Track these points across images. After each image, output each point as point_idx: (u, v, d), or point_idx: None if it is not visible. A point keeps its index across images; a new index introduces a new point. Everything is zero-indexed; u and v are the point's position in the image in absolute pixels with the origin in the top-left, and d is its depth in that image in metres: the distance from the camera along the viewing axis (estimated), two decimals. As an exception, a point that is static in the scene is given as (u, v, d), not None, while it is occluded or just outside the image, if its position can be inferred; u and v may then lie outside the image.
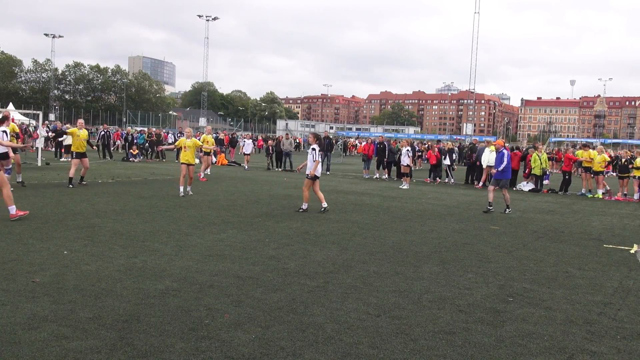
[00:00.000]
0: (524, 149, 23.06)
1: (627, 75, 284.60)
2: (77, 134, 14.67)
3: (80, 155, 14.53)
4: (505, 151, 12.95)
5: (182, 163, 13.45)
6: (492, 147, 18.75)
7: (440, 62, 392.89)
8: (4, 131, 12.29)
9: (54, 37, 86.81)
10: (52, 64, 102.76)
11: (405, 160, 19.70)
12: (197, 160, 15.44)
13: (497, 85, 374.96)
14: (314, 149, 11.36)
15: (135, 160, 27.48)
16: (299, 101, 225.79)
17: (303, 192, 11.43)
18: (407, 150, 19.86)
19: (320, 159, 11.51)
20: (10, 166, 12.39)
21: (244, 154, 26.86)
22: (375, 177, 22.89)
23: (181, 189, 13.17)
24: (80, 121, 15.56)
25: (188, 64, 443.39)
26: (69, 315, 4.49)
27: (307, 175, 11.39)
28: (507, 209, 12.89)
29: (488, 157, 19.31)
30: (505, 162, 12.74)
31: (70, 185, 13.96)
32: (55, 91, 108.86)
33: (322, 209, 11.32)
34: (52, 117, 76.90)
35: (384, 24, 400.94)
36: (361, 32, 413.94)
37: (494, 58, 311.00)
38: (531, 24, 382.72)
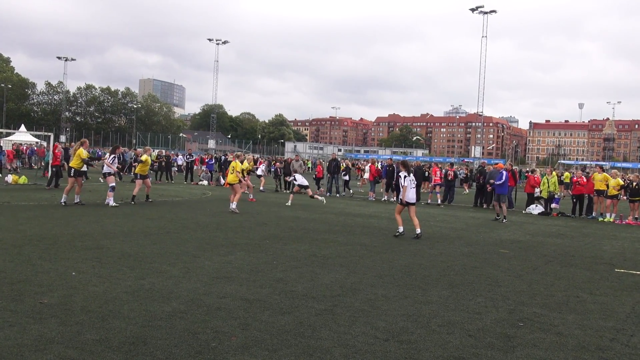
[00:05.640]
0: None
1: (616, 98, 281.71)
2: (149, 161, 17.12)
3: (145, 177, 16.80)
4: (504, 172, 16.79)
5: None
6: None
7: (428, 84, 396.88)
8: (114, 157, 15.82)
9: (66, 60, 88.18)
10: (64, 86, 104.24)
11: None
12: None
13: (491, 108, 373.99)
14: (405, 176, 11.75)
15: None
16: (307, 123, 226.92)
17: (396, 217, 11.96)
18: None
19: (407, 185, 11.66)
20: (114, 184, 15.16)
21: (259, 176, 26.77)
22: (383, 199, 22.85)
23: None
24: (149, 148, 18.38)
25: (188, 87, 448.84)
26: (76, 337, 4.48)
27: (400, 201, 11.94)
28: (504, 219, 15.98)
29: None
30: (503, 179, 16.44)
31: (133, 202, 15.79)
32: (67, 113, 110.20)
33: (415, 235, 11.46)
34: (62, 138, 77.71)
35: (369, 48, 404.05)
36: (348, 56, 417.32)
37: (483, 81, 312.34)
38: (508, 49, 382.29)
